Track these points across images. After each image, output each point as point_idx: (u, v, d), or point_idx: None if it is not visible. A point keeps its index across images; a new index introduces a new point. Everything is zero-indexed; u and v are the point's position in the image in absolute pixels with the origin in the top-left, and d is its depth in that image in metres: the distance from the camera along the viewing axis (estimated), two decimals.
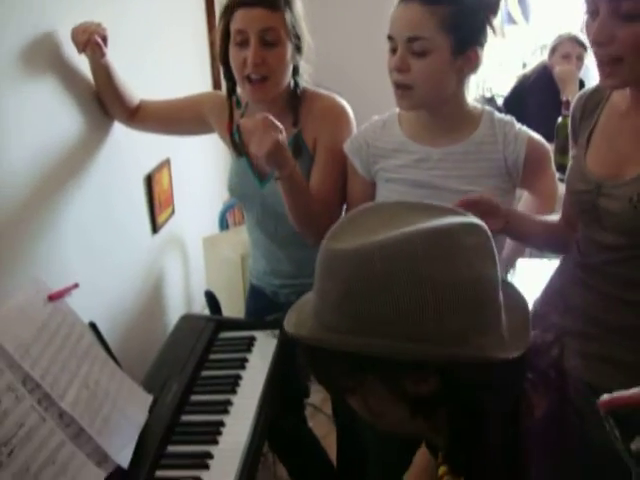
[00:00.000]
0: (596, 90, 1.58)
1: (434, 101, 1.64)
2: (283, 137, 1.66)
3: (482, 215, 1.11)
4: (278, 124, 1.65)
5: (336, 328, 0.90)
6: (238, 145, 1.93)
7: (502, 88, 4.38)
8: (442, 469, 1.06)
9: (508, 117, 1.74)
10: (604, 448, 0.97)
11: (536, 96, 3.84)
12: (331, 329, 0.91)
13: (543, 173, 1.75)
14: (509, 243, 1.83)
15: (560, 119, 3.09)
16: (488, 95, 4.14)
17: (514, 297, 0.99)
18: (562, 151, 2.82)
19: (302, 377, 2.09)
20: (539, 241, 1.74)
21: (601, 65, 1.38)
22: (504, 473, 0.94)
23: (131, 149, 2.12)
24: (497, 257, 0.93)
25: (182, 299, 2.62)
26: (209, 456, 1.51)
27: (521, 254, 2.07)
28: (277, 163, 1.68)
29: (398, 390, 0.91)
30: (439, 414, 0.94)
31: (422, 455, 1.27)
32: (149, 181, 2.23)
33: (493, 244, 0.93)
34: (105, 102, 1.93)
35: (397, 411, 0.94)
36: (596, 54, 1.38)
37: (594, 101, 1.57)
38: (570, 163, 1.61)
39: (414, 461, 1.30)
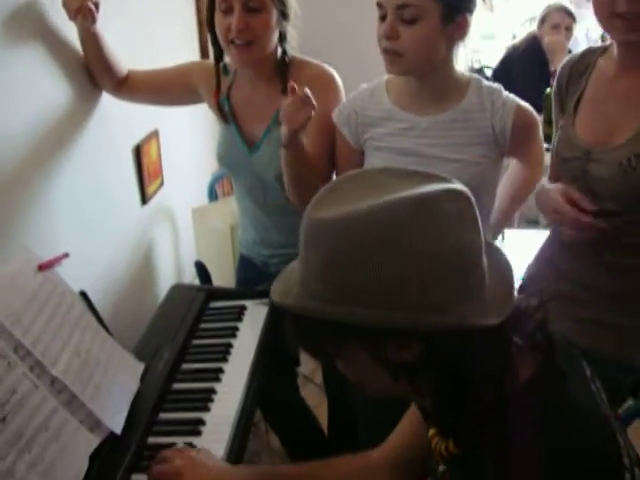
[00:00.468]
0: (582, 57, 1.59)
1: (424, 68, 1.64)
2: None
3: None
4: (314, 102, 1.64)
5: (320, 297, 0.91)
6: (226, 112, 1.93)
7: (491, 59, 4.37)
8: (432, 430, 1.08)
9: (496, 85, 1.74)
10: (588, 410, 0.99)
11: (525, 67, 3.85)
12: (315, 297, 0.91)
13: (531, 141, 1.76)
14: (496, 210, 1.84)
15: (549, 90, 3.09)
16: (477, 66, 4.14)
17: (499, 261, 0.99)
18: (550, 122, 2.82)
19: (291, 345, 2.10)
20: None
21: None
22: (490, 436, 0.95)
23: (119, 120, 2.11)
24: (480, 223, 0.93)
25: (172, 269, 2.63)
26: (201, 423, 1.53)
27: (508, 221, 2.08)
28: (298, 137, 1.68)
29: (381, 357, 0.92)
30: (423, 378, 0.95)
31: (412, 414, 1.29)
32: (138, 152, 2.23)
33: (476, 210, 0.93)
34: (94, 72, 1.92)
35: (381, 376, 0.95)
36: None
37: (580, 68, 1.58)
38: (558, 131, 1.62)
39: (403, 419, 1.32)
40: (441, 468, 1.07)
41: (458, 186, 0.92)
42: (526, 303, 1.00)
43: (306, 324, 0.95)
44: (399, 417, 1.34)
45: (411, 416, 1.30)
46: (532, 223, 3.55)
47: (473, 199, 0.93)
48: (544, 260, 1.74)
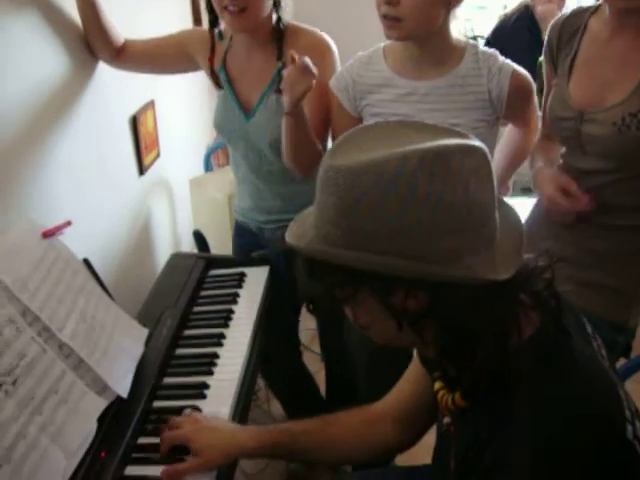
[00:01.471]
0: (572, 16, 1.60)
1: (422, 33, 1.64)
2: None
3: None
4: (315, 70, 1.64)
5: (333, 241, 0.93)
6: (221, 79, 1.93)
7: (484, 29, 4.36)
8: (437, 384, 1.10)
9: (492, 50, 1.75)
10: (591, 363, 1.01)
11: (518, 36, 3.83)
12: (329, 242, 0.94)
13: (527, 105, 1.77)
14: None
15: (542, 58, 3.08)
16: (470, 36, 4.13)
17: (509, 218, 1.01)
18: (542, 91, 2.83)
19: (295, 301, 2.13)
20: None
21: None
22: (494, 391, 0.98)
23: (116, 90, 2.11)
24: (495, 179, 0.95)
25: (170, 239, 2.64)
26: (205, 386, 1.55)
27: (504, 187, 2.10)
28: (300, 105, 1.69)
29: (387, 304, 0.94)
30: (427, 328, 0.97)
31: (413, 370, 1.31)
32: (134, 123, 2.23)
33: (491, 166, 0.94)
34: (91, 41, 1.91)
35: (386, 323, 0.97)
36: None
37: (571, 28, 1.59)
38: (552, 89, 1.64)
39: (404, 375, 1.35)
40: (446, 420, 1.10)
41: (475, 142, 0.94)
42: (535, 262, 1.01)
43: (318, 267, 0.96)
44: (399, 375, 1.37)
45: (413, 372, 1.33)
46: (526, 191, 3.57)
47: (489, 155, 0.94)
48: (534, 222, 1.76)
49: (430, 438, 1.34)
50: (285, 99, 1.68)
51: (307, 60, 1.63)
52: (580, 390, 0.94)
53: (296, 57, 1.63)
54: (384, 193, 0.88)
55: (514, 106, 1.72)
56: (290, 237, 1.00)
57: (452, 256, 0.90)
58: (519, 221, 1.02)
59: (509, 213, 1.02)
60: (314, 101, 1.85)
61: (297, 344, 2.39)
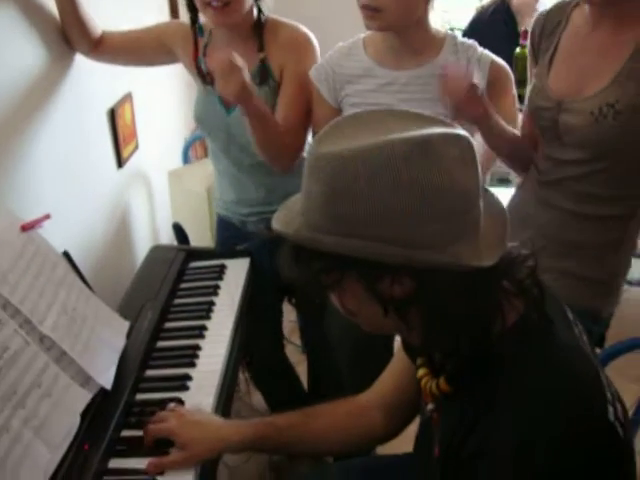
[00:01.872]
0: (556, 9, 1.61)
1: (402, 24, 1.65)
2: (247, 76, 1.65)
3: (466, 101, 1.23)
4: (241, 63, 1.63)
5: (320, 228, 0.93)
6: (204, 74, 1.93)
7: (460, 21, 4.38)
8: (421, 371, 1.11)
9: (471, 41, 1.77)
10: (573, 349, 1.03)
11: (494, 28, 3.85)
12: (315, 228, 0.94)
13: (505, 95, 1.78)
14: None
15: (518, 50, 3.10)
16: (447, 27, 4.13)
17: (494, 206, 1.02)
18: (521, 83, 2.85)
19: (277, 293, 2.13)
20: (505, 148, 1.76)
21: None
22: (478, 376, 0.99)
23: (93, 83, 2.09)
24: (479, 168, 0.95)
25: (149, 232, 2.63)
26: (188, 378, 1.55)
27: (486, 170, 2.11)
28: (244, 101, 1.68)
29: (373, 290, 0.95)
30: (412, 314, 0.97)
31: (397, 362, 1.32)
32: (112, 115, 2.22)
33: (476, 155, 0.95)
34: (68, 32, 1.90)
35: (372, 308, 0.98)
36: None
37: (554, 20, 1.61)
38: (532, 81, 1.65)
39: (388, 367, 1.36)
40: (430, 407, 1.11)
41: (460, 131, 0.95)
42: (518, 251, 1.02)
43: (304, 254, 0.97)
44: (382, 365, 1.38)
45: (396, 364, 1.33)
46: (504, 182, 3.61)
47: (474, 143, 0.95)
48: (510, 210, 1.77)
49: (411, 428, 1.35)
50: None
51: (229, 55, 1.63)
52: (562, 374, 0.95)
53: (219, 59, 1.64)
54: (370, 180, 0.89)
55: (493, 96, 1.72)
56: (277, 224, 1.00)
57: (437, 243, 0.91)
58: (503, 210, 1.03)
59: (493, 202, 1.03)
60: (295, 94, 1.86)
61: (280, 337, 2.40)
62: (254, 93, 1.70)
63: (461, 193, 0.92)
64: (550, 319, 1.02)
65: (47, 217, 1.58)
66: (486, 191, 1.01)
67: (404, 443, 1.42)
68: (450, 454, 1.01)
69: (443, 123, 0.96)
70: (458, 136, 0.93)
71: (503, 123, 1.67)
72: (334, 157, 0.91)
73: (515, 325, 0.99)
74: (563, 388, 0.94)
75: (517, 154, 1.75)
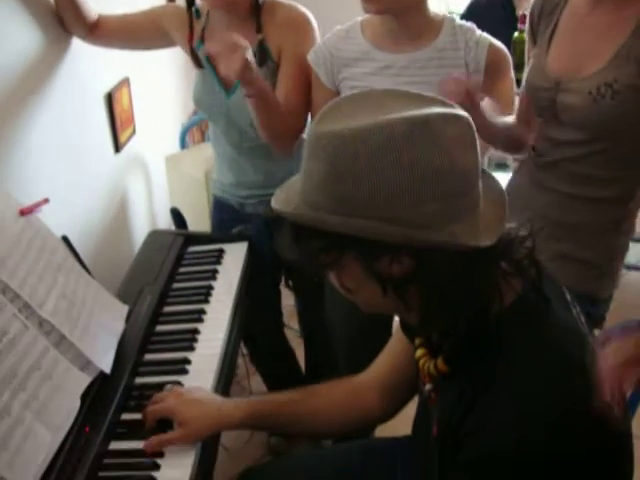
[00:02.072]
0: None
1: (400, 7, 1.65)
2: (250, 55, 1.64)
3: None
4: (243, 42, 1.62)
5: (319, 207, 0.94)
6: (201, 57, 1.92)
7: (458, 5, 4.36)
8: (419, 351, 1.12)
9: (469, 24, 1.76)
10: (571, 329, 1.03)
11: (492, 12, 3.83)
12: (315, 208, 0.94)
13: (503, 78, 1.78)
14: None
15: (516, 34, 3.09)
16: (445, 11, 4.11)
17: (492, 187, 1.02)
18: (519, 67, 2.84)
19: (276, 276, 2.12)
20: (499, 143, 1.76)
21: None
22: (476, 356, 0.99)
23: (91, 67, 2.09)
24: (479, 148, 0.96)
25: (147, 216, 2.63)
26: (187, 362, 1.56)
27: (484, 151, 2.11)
28: (248, 80, 1.67)
29: (372, 269, 0.95)
30: (411, 293, 0.98)
31: (395, 343, 1.33)
32: (110, 100, 2.21)
33: (476, 135, 0.95)
34: (64, 16, 1.88)
35: (370, 288, 0.98)
36: None
37: (553, 1, 1.60)
38: (530, 61, 1.65)
39: (385, 348, 1.36)
40: (427, 387, 1.12)
41: (459, 111, 0.95)
42: (516, 232, 1.03)
43: (304, 233, 0.97)
44: (380, 346, 1.38)
45: (394, 345, 1.34)
46: (502, 166, 3.61)
47: (473, 124, 0.95)
48: (508, 193, 1.77)
49: (410, 410, 1.36)
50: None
51: (231, 34, 1.62)
52: (560, 354, 0.96)
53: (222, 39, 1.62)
54: (371, 159, 0.89)
55: (491, 79, 1.73)
56: (276, 203, 1.00)
57: (436, 222, 0.91)
58: (502, 190, 1.04)
59: (492, 183, 1.03)
60: (295, 76, 1.85)
61: (280, 318, 2.40)
62: (258, 77, 1.69)
63: (461, 174, 0.92)
64: (548, 299, 1.02)
65: (46, 201, 1.58)
66: (484, 172, 1.01)
67: (403, 425, 1.43)
68: (448, 433, 1.01)
69: (442, 103, 0.96)
70: (457, 115, 0.94)
71: (497, 120, 1.66)
72: (335, 136, 0.91)
73: (513, 305, 1.00)
74: (561, 366, 0.95)
75: (511, 144, 1.75)
